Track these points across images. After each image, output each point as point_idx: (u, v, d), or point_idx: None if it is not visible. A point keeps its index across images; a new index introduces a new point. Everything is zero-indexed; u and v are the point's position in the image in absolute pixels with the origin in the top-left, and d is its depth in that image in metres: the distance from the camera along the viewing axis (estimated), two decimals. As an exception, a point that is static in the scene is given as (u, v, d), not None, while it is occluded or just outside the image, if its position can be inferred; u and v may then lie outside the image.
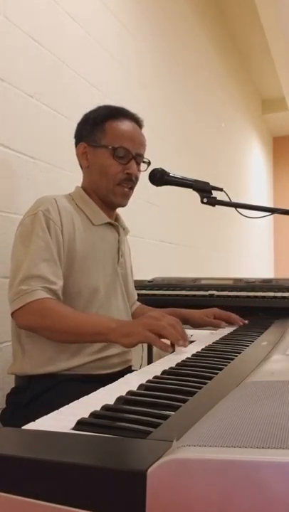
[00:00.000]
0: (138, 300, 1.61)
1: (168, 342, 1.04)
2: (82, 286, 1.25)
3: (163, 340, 1.03)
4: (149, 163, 1.38)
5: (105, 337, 1.09)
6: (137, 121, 1.37)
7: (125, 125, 1.32)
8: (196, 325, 1.47)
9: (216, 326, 1.43)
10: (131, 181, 1.32)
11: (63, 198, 1.29)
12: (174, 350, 1.04)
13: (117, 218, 1.43)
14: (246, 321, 1.51)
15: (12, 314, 1.15)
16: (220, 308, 1.52)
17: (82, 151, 1.34)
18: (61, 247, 1.21)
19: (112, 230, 1.39)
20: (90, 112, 1.37)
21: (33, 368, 1.20)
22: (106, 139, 1.30)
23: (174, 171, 1.44)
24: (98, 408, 0.62)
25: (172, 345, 1.04)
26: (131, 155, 1.31)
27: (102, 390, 0.76)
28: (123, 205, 1.37)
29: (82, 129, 1.36)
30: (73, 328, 1.13)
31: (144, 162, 1.37)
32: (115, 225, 1.39)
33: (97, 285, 1.29)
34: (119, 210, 1.43)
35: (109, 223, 1.37)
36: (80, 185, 1.40)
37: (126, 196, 1.34)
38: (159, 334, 1.02)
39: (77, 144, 1.37)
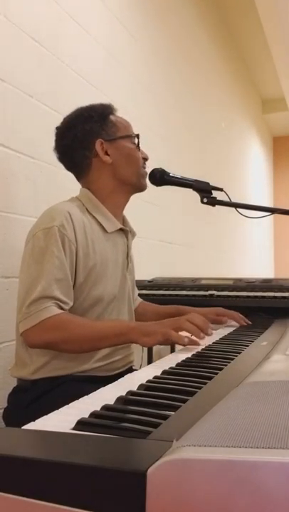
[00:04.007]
0: (138, 301, 1.62)
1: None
2: (99, 296, 1.24)
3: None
4: None
5: (127, 337, 1.12)
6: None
7: (121, 117, 1.38)
8: None
9: (219, 323, 1.44)
10: (145, 164, 1.40)
11: (75, 208, 1.25)
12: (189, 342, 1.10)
13: (124, 222, 1.41)
14: (250, 322, 1.51)
15: (23, 333, 1.13)
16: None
17: (100, 148, 1.30)
18: (74, 266, 1.19)
19: (122, 235, 1.37)
20: (86, 113, 1.32)
21: (38, 375, 1.19)
22: (120, 130, 1.34)
23: (174, 171, 1.44)
24: (98, 408, 0.62)
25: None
26: (139, 141, 1.37)
27: (102, 390, 0.76)
28: (146, 187, 1.40)
29: (87, 129, 1.30)
30: (94, 334, 1.14)
31: None
32: (125, 230, 1.38)
33: (111, 295, 1.29)
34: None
35: (120, 229, 1.35)
36: (81, 187, 1.37)
37: (146, 177, 1.40)
38: (180, 329, 1.09)
39: (83, 144, 1.30)
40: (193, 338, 1.10)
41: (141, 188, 1.38)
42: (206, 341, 1.16)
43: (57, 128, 1.36)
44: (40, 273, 1.13)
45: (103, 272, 1.26)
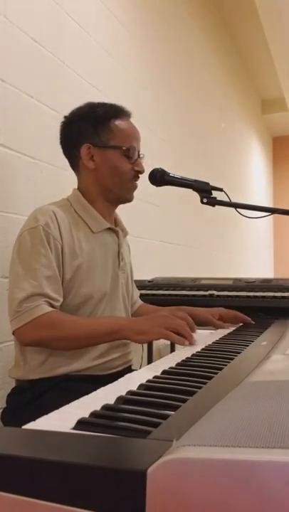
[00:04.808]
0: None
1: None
2: (88, 294, 1.25)
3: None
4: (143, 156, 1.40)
5: (118, 334, 1.12)
6: (130, 116, 1.37)
7: (128, 124, 1.34)
8: (201, 323, 1.48)
9: (219, 327, 1.44)
10: (138, 177, 1.36)
11: (61, 208, 1.26)
12: (188, 344, 1.09)
13: (116, 221, 1.42)
14: (253, 322, 1.51)
15: (15, 331, 1.14)
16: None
17: (86, 152, 1.30)
18: (60, 263, 1.20)
19: (112, 234, 1.37)
20: (86, 111, 1.31)
21: (34, 375, 1.20)
22: (115, 139, 1.30)
23: (174, 171, 1.44)
24: (98, 408, 0.62)
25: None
26: (138, 153, 1.33)
27: (102, 389, 0.76)
28: (132, 200, 1.38)
29: (81, 129, 1.30)
30: (85, 332, 1.14)
31: None
32: (115, 229, 1.38)
33: (102, 292, 1.29)
34: (118, 211, 1.43)
35: (109, 228, 1.35)
36: (76, 187, 1.38)
37: (135, 190, 1.37)
38: (176, 332, 1.07)
39: (74, 144, 1.31)
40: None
41: (124, 201, 1.38)
42: (206, 341, 1.16)
43: (64, 117, 1.37)
44: (29, 272, 1.14)
45: (91, 271, 1.26)
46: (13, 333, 1.15)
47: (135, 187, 1.36)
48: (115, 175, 1.31)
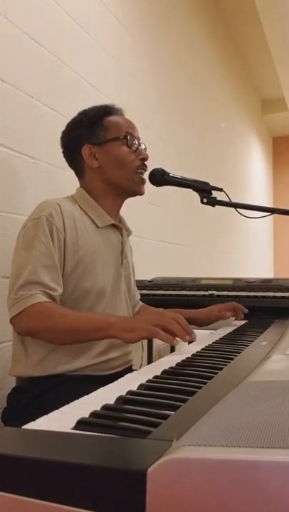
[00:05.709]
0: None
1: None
2: (88, 289, 1.25)
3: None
4: (145, 147, 1.41)
5: (106, 332, 1.09)
6: (122, 112, 1.40)
7: (121, 117, 1.37)
8: (202, 323, 1.48)
9: (223, 318, 1.45)
10: (145, 166, 1.36)
11: (66, 202, 1.27)
12: (178, 342, 1.04)
13: (120, 220, 1.43)
14: (246, 310, 1.55)
15: (11, 320, 1.14)
16: None
17: (88, 152, 1.32)
18: (62, 254, 1.20)
19: (116, 231, 1.38)
20: (78, 118, 1.36)
21: (35, 371, 1.19)
22: (111, 132, 1.32)
23: (174, 171, 1.44)
24: (98, 408, 0.62)
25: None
26: (137, 141, 1.35)
27: (102, 389, 0.76)
28: (142, 193, 1.37)
29: (78, 134, 1.33)
30: (73, 326, 1.12)
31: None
32: (119, 226, 1.38)
33: (103, 288, 1.28)
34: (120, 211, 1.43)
35: (113, 225, 1.36)
36: (79, 186, 1.39)
37: (144, 183, 1.37)
38: (165, 329, 1.03)
39: (74, 149, 1.34)
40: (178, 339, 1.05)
41: (134, 194, 1.37)
42: (206, 341, 1.16)
43: (62, 132, 1.39)
44: (28, 260, 1.15)
45: (92, 265, 1.26)
46: (11, 322, 1.15)
47: (142, 180, 1.36)
48: (120, 166, 1.32)
